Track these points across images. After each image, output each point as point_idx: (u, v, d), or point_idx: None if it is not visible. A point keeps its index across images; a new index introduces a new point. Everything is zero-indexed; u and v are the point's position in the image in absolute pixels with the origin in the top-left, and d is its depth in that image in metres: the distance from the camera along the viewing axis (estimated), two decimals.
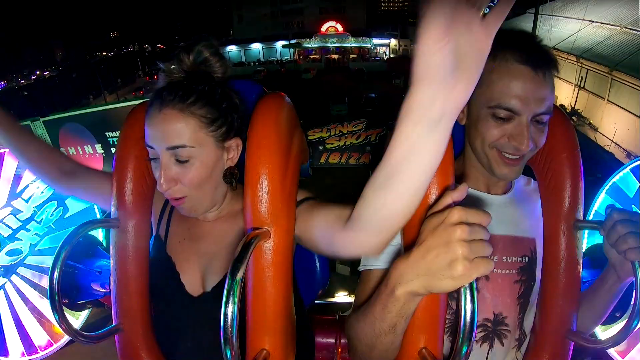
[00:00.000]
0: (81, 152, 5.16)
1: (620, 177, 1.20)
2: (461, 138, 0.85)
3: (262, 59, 34.62)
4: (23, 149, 0.88)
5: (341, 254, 0.64)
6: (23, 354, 1.31)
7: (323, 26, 35.62)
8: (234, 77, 0.86)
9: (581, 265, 0.81)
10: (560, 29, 15.44)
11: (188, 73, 0.77)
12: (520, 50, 0.73)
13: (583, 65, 13.80)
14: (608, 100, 12.62)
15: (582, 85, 13.68)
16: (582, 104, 13.41)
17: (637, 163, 1.17)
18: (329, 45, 34.53)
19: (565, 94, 14.21)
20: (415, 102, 0.42)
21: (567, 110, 13.50)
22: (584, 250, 0.84)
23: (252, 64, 32.58)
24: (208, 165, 0.75)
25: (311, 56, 34.64)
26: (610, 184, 1.19)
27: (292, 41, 33.58)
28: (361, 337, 0.67)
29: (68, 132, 5.10)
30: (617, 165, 1.22)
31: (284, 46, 34.18)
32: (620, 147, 11.22)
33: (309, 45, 34.61)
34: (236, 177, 0.80)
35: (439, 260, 0.49)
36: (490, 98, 0.74)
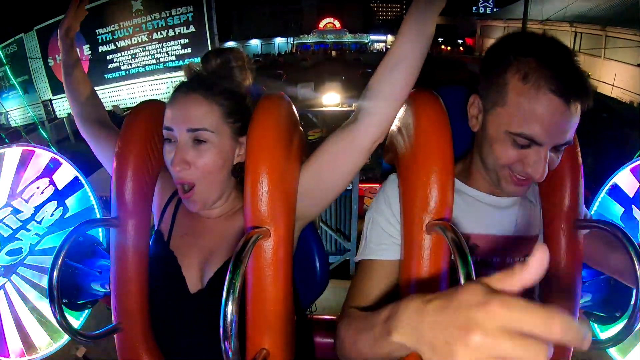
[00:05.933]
0: None
1: (621, 177, 1.19)
2: (466, 137, 0.84)
3: (259, 52, 34.60)
4: (79, 86, 1.00)
5: (362, 142, 0.73)
6: (23, 354, 1.31)
7: (321, 22, 36.08)
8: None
9: (581, 265, 0.81)
10: (553, 4, 15.59)
11: (211, 73, 0.82)
12: (557, 78, 0.65)
13: (577, 30, 14.00)
14: (604, 57, 12.79)
15: (577, 49, 13.73)
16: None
17: (637, 163, 1.16)
18: (327, 41, 34.77)
19: None
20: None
21: None
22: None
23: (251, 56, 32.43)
24: (222, 153, 0.78)
25: (309, 50, 34.77)
26: (610, 183, 1.19)
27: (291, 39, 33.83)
28: (351, 350, 0.63)
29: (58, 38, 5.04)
30: (620, 105, 1.19)
31: (281, 36, 34.42)
32: (622, 89, 11.08)
33: (307, 41, 34.62)
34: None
35: (445, 348, 0.33)
36: (513, 123, 0.69)
